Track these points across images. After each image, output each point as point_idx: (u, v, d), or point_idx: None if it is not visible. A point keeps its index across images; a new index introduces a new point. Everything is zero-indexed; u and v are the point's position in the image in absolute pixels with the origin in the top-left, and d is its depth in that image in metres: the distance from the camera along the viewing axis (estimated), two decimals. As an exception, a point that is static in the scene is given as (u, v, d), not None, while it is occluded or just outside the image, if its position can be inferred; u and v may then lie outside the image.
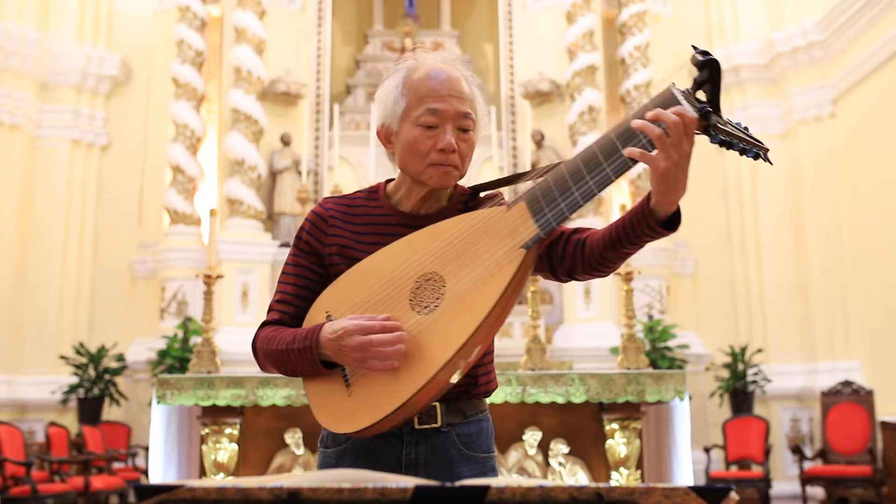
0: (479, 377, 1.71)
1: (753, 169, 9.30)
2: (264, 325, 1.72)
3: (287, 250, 10.12)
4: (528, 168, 9.04)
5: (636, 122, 1.44)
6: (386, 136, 1.71)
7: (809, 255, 8.97)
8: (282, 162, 9.32)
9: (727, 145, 1.47)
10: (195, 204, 9.09)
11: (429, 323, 1.55)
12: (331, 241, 1.71)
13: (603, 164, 1.49)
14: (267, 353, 1.66)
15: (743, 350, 8.60)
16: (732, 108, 9.64)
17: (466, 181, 1.82)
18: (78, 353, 8.38)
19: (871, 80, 8.24)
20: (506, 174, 9.36)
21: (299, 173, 8.97)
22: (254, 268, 8.67)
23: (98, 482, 6.99)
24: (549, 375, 3.88)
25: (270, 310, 1.73)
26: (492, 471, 1.74)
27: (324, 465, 1.73)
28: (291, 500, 0.87)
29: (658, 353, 8.19)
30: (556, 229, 1.62)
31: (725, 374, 8.70)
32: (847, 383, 8.01)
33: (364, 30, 11.19)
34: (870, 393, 7.86)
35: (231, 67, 9.25)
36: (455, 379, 1.56)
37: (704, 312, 9.30)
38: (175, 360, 7.98)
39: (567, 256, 1.66)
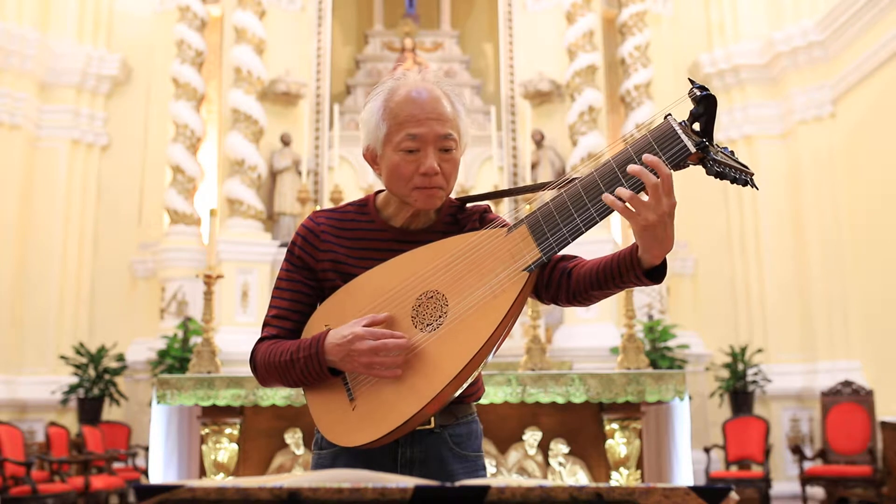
0: (469, 386, 1.75)
1: (754, 169, 9.28)
2: (261, 340, 1.73)
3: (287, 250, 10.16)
4: (528, 168, 9.04)
5: (633, 168, 1.48)
6: (372, 159, 1.74)
7: (809, 255, 8.96)
8: (282, 162, 9.32)
9: (721, 176, 1.54)
10: (195, 204, 9.09)
11: (433, 340, 1.58)
12: (323, 256, 1.72)
13: (604, 193, 1.54)
14: (268, 365, 1.67)
15: (743, 350, 8.60)
16: (733, 108, 9.64)
17: (463, 187, 1.84)
18: (78, 353, 8.38)
19: (871, 80, 8.24)
20: (506, 174, 9.42)
21: (299, 173, 8.97)
22: (254, 268, 8.68)
23: (98, 482, 6.99)
24: (549, 375, 3.88)
25: (266, 325, 1.74)
26: (482, 469, 1.79)
27: (318, 466, 1.74)
28: (291, 500, 0.87)
29: (658, 353, 8.19)
30: None
31: (725, 374, 8.70)
32: (847, 383, 8.00)
33: (364, 30, 11.18)
34: (870, 393, 7.85)
35: (231, 67, 9.25)
36: (457, 393, 1.60)
37: (704, 312, 9.29)
38: (175, 360, 7.98)
39: (552, 283, 1.69)
